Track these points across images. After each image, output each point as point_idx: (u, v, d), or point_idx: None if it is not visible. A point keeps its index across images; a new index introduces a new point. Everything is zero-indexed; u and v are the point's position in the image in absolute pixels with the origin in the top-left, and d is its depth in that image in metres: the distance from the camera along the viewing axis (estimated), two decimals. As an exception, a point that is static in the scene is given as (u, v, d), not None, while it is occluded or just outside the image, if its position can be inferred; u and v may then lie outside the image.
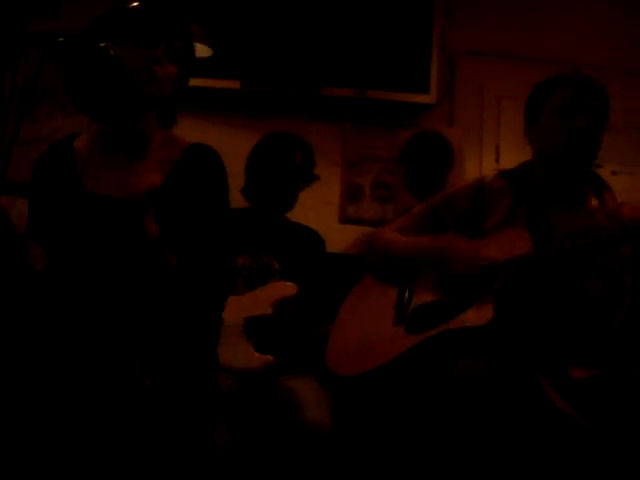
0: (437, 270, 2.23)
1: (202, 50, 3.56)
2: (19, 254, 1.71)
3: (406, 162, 3.26)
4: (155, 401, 1.70)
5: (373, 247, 2.45)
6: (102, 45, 1.77)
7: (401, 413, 2.22)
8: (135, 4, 1.89)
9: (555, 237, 2.15)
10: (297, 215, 3.28)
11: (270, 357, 2.68)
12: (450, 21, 4.04)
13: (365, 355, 2.22)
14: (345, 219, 3.96)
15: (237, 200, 3.12)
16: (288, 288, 2.83)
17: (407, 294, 2.30)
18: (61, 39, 1.73)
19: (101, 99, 1.86)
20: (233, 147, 3.24)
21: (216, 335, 1.96)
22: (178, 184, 1.88)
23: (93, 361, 1.70)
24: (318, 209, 3.79)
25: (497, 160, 4.05)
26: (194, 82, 2.07)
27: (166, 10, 1.90)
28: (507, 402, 1.86)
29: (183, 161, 1.92)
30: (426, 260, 2.27)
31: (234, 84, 3.85)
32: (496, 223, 2.27)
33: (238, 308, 2.67)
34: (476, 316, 2.06)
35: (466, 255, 2.19)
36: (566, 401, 1.91)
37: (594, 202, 2.27)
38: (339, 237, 3.75)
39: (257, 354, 2.69)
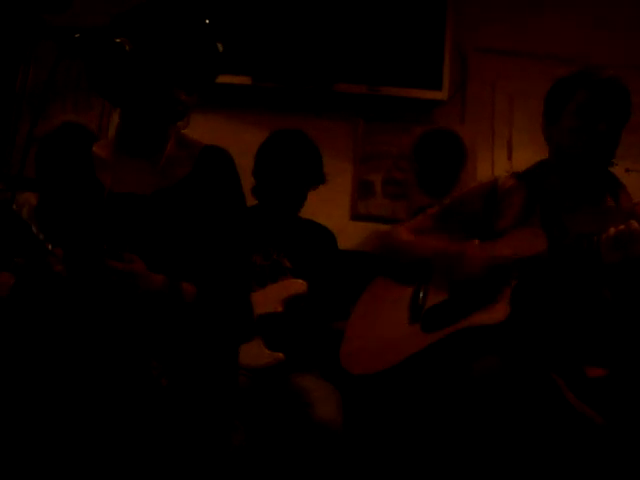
0: (451, 272, 2.22)
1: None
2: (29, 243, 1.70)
3: (418, 159, 3.25)
4: (171, 401, 1.69)
5: (388, 245, 2.43)
6: (118, 41, 1.77)
7: (416, 411, 2.21)
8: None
9: (570, 237, 2.13)
10: (308, 212, 3.27)
11: (280, 354, 2.67)
12: (462, 18, 4.01)
13: (380, 354, 2.21)
14: (356, 216, 3.95)
15: (247, 198, 3.10)
16: (298, 285, 2.83)
17: (422, 293, 2.28)
18: (77, 35, 1.73)
19: (123, 90, 1.86)
20: (244, 143, 3.24)
21: (237, 334, 1.96)
22: (191, 186, 1.88)
23: (109, 361, 1.69)
24: (329, 205, 3.77)
25: (509, 158, 4.03)
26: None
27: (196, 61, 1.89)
28: (524, 401, 1.85)
29: (197, 164, 1.93)
30: (441, 262, 2.25)
31: (245, 80, 3.84)
32: (509, 224, 2.26)
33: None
34: (492, 315, 2.05)
35: (480, 262, 2.17)
36: (582, 400, 1.90)
37: (610, 203, 2.25)
38: (350, 234, 3.74)
39: (267, 351, 2.68)
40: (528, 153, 4.01)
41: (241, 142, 3.31)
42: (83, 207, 1.86)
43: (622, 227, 1.96)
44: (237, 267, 1.90)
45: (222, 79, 3.68)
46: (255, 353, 2.65)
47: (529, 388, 1.88)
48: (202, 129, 2.43)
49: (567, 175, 2.29)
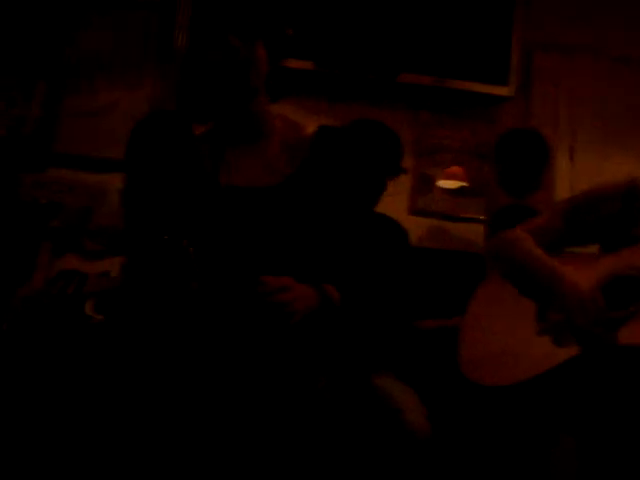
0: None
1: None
2: None
3: (500, 158, 3.13)
4: (337, 418, 1.58)
5: (504, 255, 2.26)
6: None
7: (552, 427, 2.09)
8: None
9: None
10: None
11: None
12: (531, 13, 3.89)
13: (510, 366, 2.07)
14: (415, 211, 3.83)
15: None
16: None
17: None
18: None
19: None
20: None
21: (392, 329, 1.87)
22: (314, 171, 1.74)
23: (274, 382, 1.57)
24: (387, 199, 3.64)
25: (571, 159, 3.92)
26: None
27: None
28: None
29: (315, 147, 1.77)
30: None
31: (307, 65, 3.70)
32: None
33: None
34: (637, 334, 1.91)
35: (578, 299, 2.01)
36: None
37: None
38: (408, 229, 3.62)
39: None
40: (592, 155, 3.92)
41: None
42: (198, 202, 1.69)
43: None
44: (375, 258, 1.78)
45: (283, 62, 3.65)
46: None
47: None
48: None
49: None
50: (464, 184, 3.84)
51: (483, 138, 3.87)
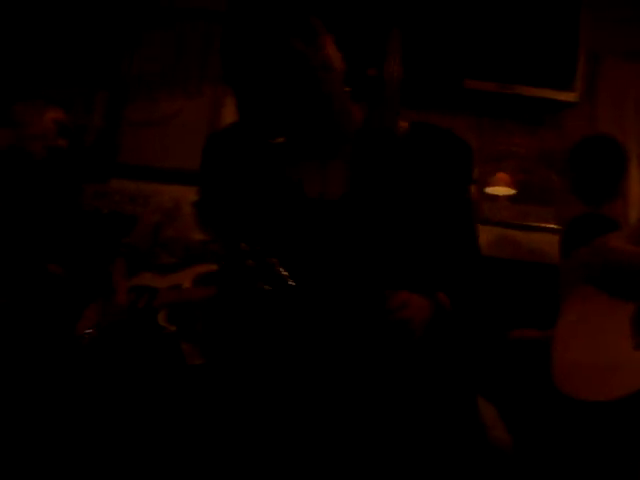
0: None
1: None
2: None
3: (574, 165, 3.06)
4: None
5: (604, 258, 2.21)
6: None
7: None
8: None
9: None
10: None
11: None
12: (596, 18, 3.81)
13: (609, 379, 2.02)
14: (480, 219, 3.76)
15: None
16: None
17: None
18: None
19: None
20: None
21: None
22: (409, 175, 1.65)
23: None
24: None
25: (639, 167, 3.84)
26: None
27: None
28: None
29: (410, 149, 1.66)
30: None
31: (370, 71, 3.66)
32: None
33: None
34: None
35: None
36: None
37: None
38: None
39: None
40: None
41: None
42: (288, 215, 1.62)
43: None
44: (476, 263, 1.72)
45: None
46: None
47: None
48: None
49: None
50: (512, 191, 3.79)
51: (548, 144, 3.81)
